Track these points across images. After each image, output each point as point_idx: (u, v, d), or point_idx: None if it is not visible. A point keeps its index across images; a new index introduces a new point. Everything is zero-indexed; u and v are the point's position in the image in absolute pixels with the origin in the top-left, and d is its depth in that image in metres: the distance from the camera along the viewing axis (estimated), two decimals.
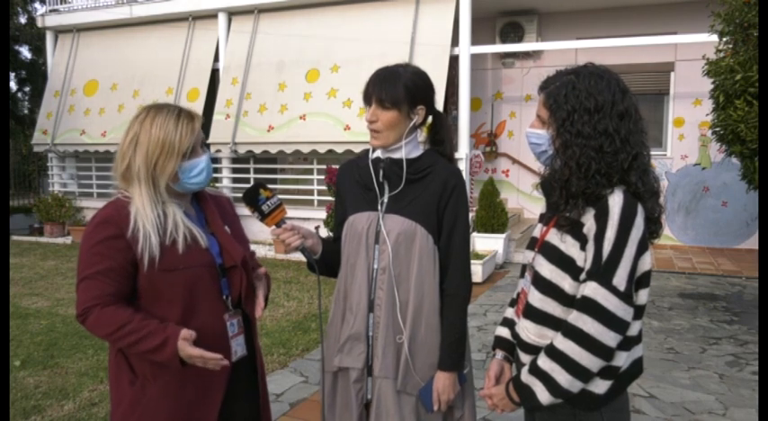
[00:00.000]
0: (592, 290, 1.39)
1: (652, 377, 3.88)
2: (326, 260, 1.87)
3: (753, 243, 8.26)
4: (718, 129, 5.09)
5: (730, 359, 4.26)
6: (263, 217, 1.73)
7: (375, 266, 1.78)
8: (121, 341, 1.56)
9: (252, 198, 1.72)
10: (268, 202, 1.72)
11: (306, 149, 8.22)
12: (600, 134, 1.43)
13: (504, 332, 1.73)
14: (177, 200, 1.69)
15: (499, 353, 1.71)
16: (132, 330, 1.55)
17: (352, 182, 1.86)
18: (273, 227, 1.74)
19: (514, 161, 9.41)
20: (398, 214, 1.76)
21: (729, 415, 3.38)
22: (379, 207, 1.80)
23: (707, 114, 6.02)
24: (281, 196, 7.17)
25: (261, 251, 8.15)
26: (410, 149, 1.80)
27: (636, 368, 1.52)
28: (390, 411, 1.77)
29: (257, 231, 8.82)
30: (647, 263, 1.45)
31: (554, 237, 1.51)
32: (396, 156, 1.79)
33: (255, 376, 1.85)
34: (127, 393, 1.65)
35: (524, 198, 9.38)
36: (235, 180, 9.27)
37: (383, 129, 1.74)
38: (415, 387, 1.77)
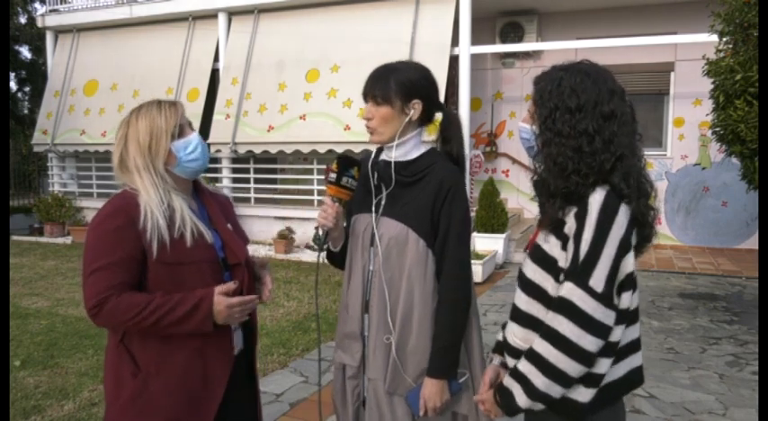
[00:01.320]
0: (567, 290, 1.35)
1: (652, 377, 3.88)
2: (345, 255, 1.91)
3: (753, 243, 8.26)
4: (718, 129, 5.09)
5: (730, 359, 4.26)
6: (334, 184, 1.74)
7: (370, 268, 1.79)
8: (147, 320, 1.54)
9: (346, 165, 1.74)
10: (350, 181, 1.75)
11: (306, 149, 8.22)
12: (579, 134, 1.40)
13: (501, 336, 1.72)
14: (181, 193, 1.71)
15: (496, 359, 1.68)
16: (158, 306, 1.55)
17: (360, 179, 1.86)
18: (330, 197, 1.75)
19: (514, 161, 9.41)
20: (392, 218, 1.76)
21: (729, 415, 3.38)
22: (373, 209, 1.80)
23: (707, 114, 6.02)
24: (280, 196, 7.21)
25: (261, 251, 8.15)
26: (409, 149, 1.78)
27: (631, 378, 1.47)
28: (384, 412, 1.77)
29: (257, 231, 8.85)
30: (629, 264, 1.38)
31: (541, 237, 1.49)
32: (390, 155, 1.78)
33: (253, 372, 1.87)
34: (128, 386, 1.63)
35: (524, 198, 9.38)
36: (235, 180, 9.27)
37: (378, 126, 1.74)
38: (407, 389, 1.76)
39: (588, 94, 1.41)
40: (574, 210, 1.40)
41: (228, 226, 1.79)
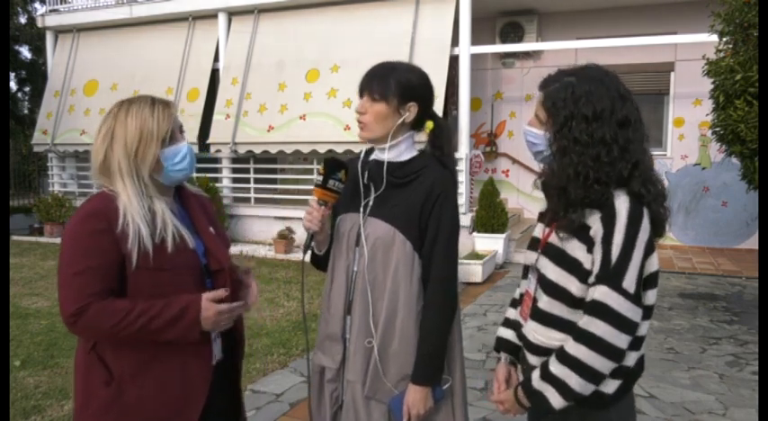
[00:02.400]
0: (602, 293, 1.38)
1: (652, 377, 3.88)
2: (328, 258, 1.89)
3: (753, 243, 8.26)
4: (718, 129, 5.08)
5: (730, 359, 4.26)
6: (320, 187, 1.73)
7: (354, 269, 1.76)
8: (130, 327, 1.48)
9: (333, 168, 1.73)
10: (337, 183, 1.73)
11: (306, 149, 8.22)
12: (597, 142, 1.42)
13: (507, 333, 1.72)
14: (163, 196, 1.63)
15: (504, 357, 1.69)
16: (141, 312, 1.49)
17: (349, 180, 1.84)
18: (316, 199, 1.74)
19: (514, 161, 9.41)
20: (379, 218, 1.73)
21: (729, 415, 3.37)
22: (362, 209, 1.77)
23: (707, 114, 6.01)
24: (280, 196, 7.23)
25: (261, 251, 8.15)
26: (402, 151, 1.76)
27: (640, 366, 1.53)
28: (360, 416, 1.73)
29: (257, 231, 8.85)
30: (654, 264, 1.45)
31: (557, 238, 1.50)
32: (383, 156, 1.76)
33: (235, 383, 1.82)
34: (99, 394, 1.55)
35: (524, 198, 9.38)
36: (235, 180, 9.27)
37: (370, 122, 1.72)
38: (386, 395, 1.72)
39: (603, 102, 1.43)
40: (597, 214, 1.42)
41: (211, 229, 1.73)
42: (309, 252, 1.86)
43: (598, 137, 1.42)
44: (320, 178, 1.72)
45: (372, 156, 1.81)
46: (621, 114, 1.43)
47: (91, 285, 1.49)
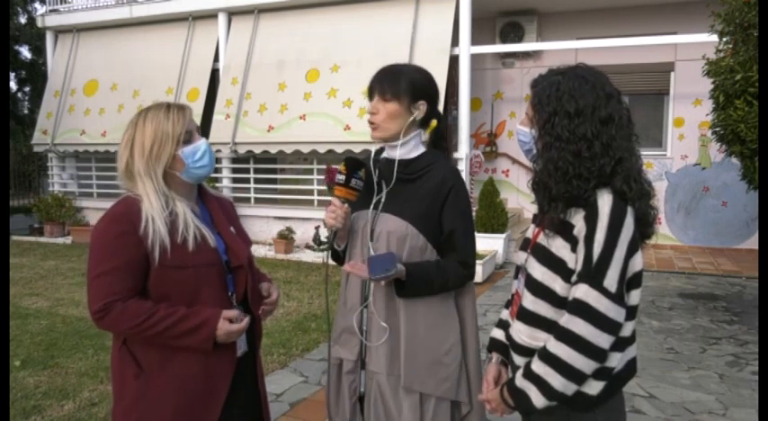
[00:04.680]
0: (583, 292, 1.38)
1: (652, 377, 3.88)
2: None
3: (753, 243, 8.26)
4: (718, 129, 5.09)
5: (730, 359, 4.26)
6: (344, 186, 1.77)
7: None
8: (151, 330, 1.57)
9: (354, 167, 1.77)
10: (358, 182, 1.78)
11: (306, 149, 8.22)
12: (579, 138, 1.42)
13: (498, 334, 1.72)
14: (185, 199, 1.73)
15: (495, 357, 1.70)
16: (163, 317, 1.58)
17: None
18: (338, 197, 1.78)
19: (514, 161, 9.41)
20: (392, 214, 1.79)
21: (729, 415, 3.38)
22: (372, 206, 1.84)
23: (707, 114, 6.02)
24: (280, 196, 7.21)
25: (261, 251, 8.15)
26: (411, 148, 1.83)
27: (630, 369, 1.52)
28: (389, 406, 1.77)
29: (257, 231, 8.85)
30: (638, 263, 1.44)
31: (544, 238, 1.51)
32: (394, 153, 1.82)
33: (256, 373, 1.88)
34: (131, 386, 1.66)
35: (524, 198, 9.38)
36: (235, 180, 9.27)
37: (383, 122, 1.78)
38: (420, 383, 1.77)
39: (586, 98, 1.43)
40: (581, 212, 1.42)
41: (231, 229, 1.81)
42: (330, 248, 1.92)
43: (580, 133, 1.42)
44: (342, 178, 1.77)
45: (383, 155, 1.87)
46: (605, 112, 1.43)
47: (115, 284, 1.59)
